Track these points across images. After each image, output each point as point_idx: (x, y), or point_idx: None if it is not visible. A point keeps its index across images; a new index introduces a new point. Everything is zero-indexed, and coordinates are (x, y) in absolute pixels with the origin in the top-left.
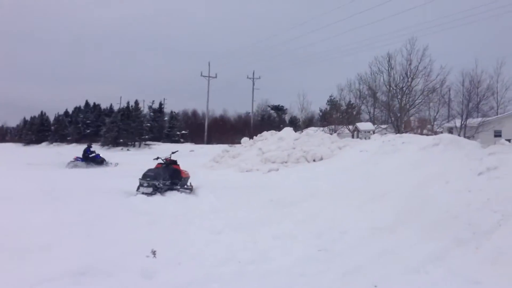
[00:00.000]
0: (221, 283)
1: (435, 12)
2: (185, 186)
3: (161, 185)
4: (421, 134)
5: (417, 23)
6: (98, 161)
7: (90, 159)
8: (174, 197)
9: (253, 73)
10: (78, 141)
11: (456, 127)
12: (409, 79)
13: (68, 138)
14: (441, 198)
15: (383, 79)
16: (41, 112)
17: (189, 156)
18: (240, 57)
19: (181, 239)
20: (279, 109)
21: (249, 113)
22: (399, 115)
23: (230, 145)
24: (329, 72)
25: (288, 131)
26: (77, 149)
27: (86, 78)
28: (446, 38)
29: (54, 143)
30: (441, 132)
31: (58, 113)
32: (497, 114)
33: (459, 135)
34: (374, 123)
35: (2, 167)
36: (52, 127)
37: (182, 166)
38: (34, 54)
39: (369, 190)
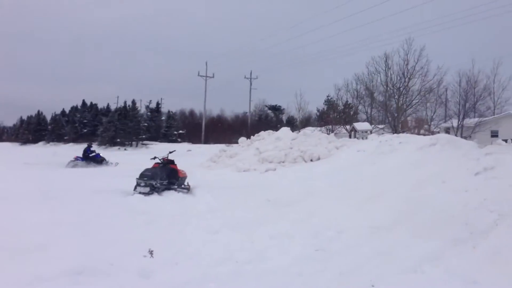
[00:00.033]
0: (218, 283)
1: (432, 13)
2: (182, 186)
3: (158, 184)
4: (418, 134)
5: (414, 24)
6: (98, 160)
7: (91, 158)
8: (171, 196)
9: (251, 73)
10: (75, 140)
11: (453, 127)
12: (406, 79)
13: (65, 138)
14: (438, 198)
15: (380, 79)
16: (38, 111)
17: (186, 155)
18: (237, 57)
19: (178, 239)
20: (276, 109)
21: (247, 113)
22: (396, 115)
23: (227, 144)
24: (326, 72)
25: (285, 131)
26: (74, 149)
27: (83, 78)
28: (443, 39)
29: (51, 143)
30: (438, 132)
31: (55, 112)
32: (494, 114)
33: (456, 135)
34: (371, 123)
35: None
36: (49, 127)
37: (180, 166)
38: (31, 53)
39: (366, 190)
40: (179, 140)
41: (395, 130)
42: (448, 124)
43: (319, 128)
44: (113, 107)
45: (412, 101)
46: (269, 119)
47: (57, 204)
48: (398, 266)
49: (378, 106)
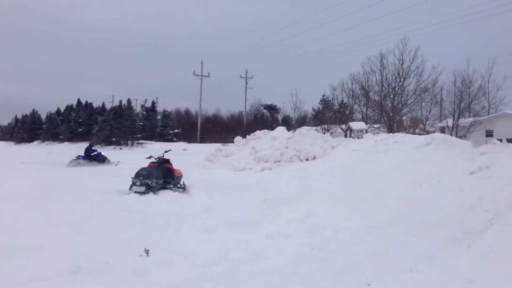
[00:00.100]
0: (214, 282)
1: (427, 13)
2: (178, 185)
3: (154, 184)
4: (414, 133)
5: (410, 23)
6: (100, 159)
7: (92, 157)
8: (167, 196)
9: (246, 72)
10: (70, 139)
11: (448, 126)
12: (402, 79)
13: (60, 137)
14: (433, 197)
15: (376, 79)
16: (33, 110)
17: (182, 155)
18: (233, 56)
19: (174, 238)
20: (272, 108)
21: (242, 112)
22: (391, 114)
23: (223, 144)
24: (322, 72)
25: (281, 130)
26: (69, 148)
27: (78, 77)
28: (438, 39)
29: (46, 142)
30: (433, 132)
31: (50, 111)
32: (488, 114)
33: (451, 134)
34: (366, 123)
35: None
36: (44, 126)
37: (175, 165)
38: (26, 52)
39: (361, 189)
40: (174, 139)
41: (390, 130)
42: (443, 124)
43: (314, 128)
44: (108, 106)
45: (407, 100)
46: (265, 118)
47: (53, 203)
48: (394, 266)
49: (373, 106)
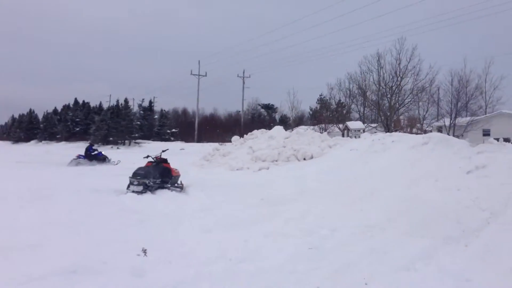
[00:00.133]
0: (212, 282)
1: (424, 12)
2: (176, 185)
3: (152, 183)
4: (411, 133)
5: (407, 23)
6: (101, 158)
7: (93, 156)
8: (164, 195)
9: (243, 71)
10: (67, 139)
11: (445, 126)
12: (399, 78)
13: (57, 136)
14: (430, 196)
15: (373, 78)
16: (30, 109)
17: (179, 154)
18: (230, 56)
19: (171, 238)
20: (269, 107)
21: (240, 111)
22: (388, 114)
23: (220, 143)
24: (319, 71)
25: (278, 129)
26: (67, 147)
27: (75, 77)
28: (435, 38)
29: (43, 141)
30: (431, 131)
31: (46, 111)
32: (485, 113)
33: (448, 134)
34: (364, 122)
35: None
36: (41, 125)
37: (173, 165)
38: (23, 52)
39: (359, 189)
40: (172, 138)
41: (387, 129)
42: (440, 123)
43: (312, 127)
44: (105, 105)
45: (405, 100)
46: (262, 117)
47: (50, 203)
48: (391, 264)
49: (370, 105)
